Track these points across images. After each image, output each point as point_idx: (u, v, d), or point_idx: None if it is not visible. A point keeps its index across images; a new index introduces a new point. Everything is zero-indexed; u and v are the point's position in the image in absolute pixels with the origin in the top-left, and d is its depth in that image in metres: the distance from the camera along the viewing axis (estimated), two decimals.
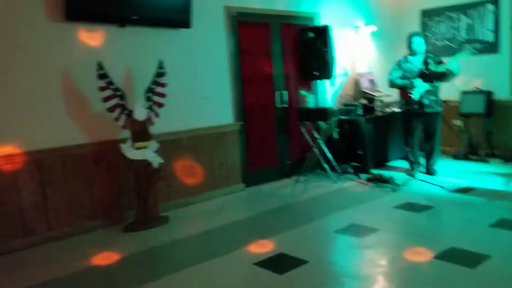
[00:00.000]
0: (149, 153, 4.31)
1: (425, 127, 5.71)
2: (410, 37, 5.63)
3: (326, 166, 5.80)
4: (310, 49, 5.86)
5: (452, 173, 5.72)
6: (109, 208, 4.43)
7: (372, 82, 7.00)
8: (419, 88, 5.46)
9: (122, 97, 4.15)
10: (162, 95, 4.40)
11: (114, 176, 4.43)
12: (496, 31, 6.40)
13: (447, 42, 6.95)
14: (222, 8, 5.21)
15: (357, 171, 5.91)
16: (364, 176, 5.81)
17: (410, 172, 5.83)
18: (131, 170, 4.28)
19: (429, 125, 5.66)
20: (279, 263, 3.35)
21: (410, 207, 4.51)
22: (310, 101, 5.82)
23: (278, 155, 5.98)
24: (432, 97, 5.50)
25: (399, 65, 5.70)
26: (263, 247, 3.67)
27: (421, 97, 5.48)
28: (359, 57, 6.94)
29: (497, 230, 3.74)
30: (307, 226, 4.16)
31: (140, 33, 4.55)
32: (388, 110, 6.64)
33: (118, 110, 4.15)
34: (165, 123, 4.60)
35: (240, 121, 5.47)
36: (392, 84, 5.74)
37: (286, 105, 5.94)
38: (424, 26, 7.17)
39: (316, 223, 4.22)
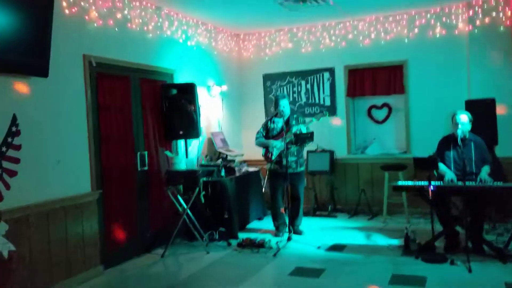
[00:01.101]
0: None
1: (291, 188, 5.72)
2: (276, 99, 5.70)
3: (197, 234, 5.23)
4: (174, 106, 5.38)
5: (314, 231, 5.79)
6: None
7: (224, 141, 6.84)
8: (277, 148, 5.50)
9: None
10: (16, 161, 3.30)
11: None
12: (333, 95, 7.03)
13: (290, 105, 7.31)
14: (81, 56, 4.37)
15: (226, 237, 5.50)
16: (234, 241, 5.43)
17: (277, 233, 5.71)
18: None
19: (293, 186, 5.69)
20: None
21: (304, 272, 4.31)
22: (178, 163, 5.26)
23: (138, 226, 5.15)
24: (292, 158, 5.57)
25: (265, 126, 5.69)
26: None
27: (280, 157, 5.50)
28: (212, 117, 6.73)
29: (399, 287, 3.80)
30: None
31: None
32: (244, 170, 6.50)
33: None
34: (10, 196, 3.45)
35: (98, 188, 4.55)
36: (258, 143, 5.70)
37: (146, 168, 5.23)
38: (267, 89, 7.45)
39: None
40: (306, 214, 6.74)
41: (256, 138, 5.70)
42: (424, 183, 4.57)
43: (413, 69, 6.52)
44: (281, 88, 7.39)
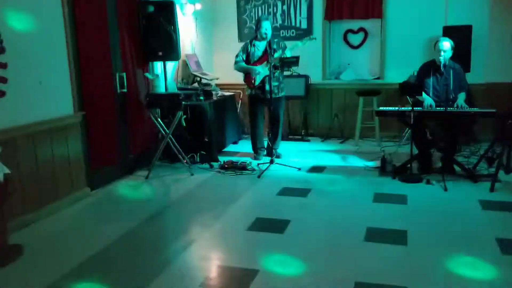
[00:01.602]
0: None
1: (270, 112, 5.75)
2: (259, 20, 5.52)
3: (181, 157, 5.24)
4: (152, 26, 5.11)
5: (290, 154, 5.93)
6: None
7: (198, 64, 6.66)
8: (261, 74, 5.44)
9: None
10: (3, 80, 3.08)
11: None
12: (310, 18, 6.91)
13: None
14: None
15: (208, 160, 5.55)
16: (215, 164, 5.50)
17: (257, 157, 5.81)
18: None
19: (272, 110, 5.71)
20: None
21: (291, 192, 4.48)
22: (158, 86, 5.10)
23: (120, 148, 5.06)
24: (274, 83, 5.54)
25: (244, 49, 5.55)
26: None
27: (263, 82, 5.46)
28: (185, 38, 6.46)
29: (378, 205, 4.07)
30: (214, 230, 3.63)
31: None
32: (219, 94, 6.41)
33: None
34: None
35: (80, 110, 4.38)
36: (238, 68, 5.57)
37: (125, 90, 5.05)
38: (241, 10, 7.19)
39: (220, 226, 3.72)
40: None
41: (236, 63, 5.56)
42: (406, 108, 4.73)
43: None
44: (256, 9, 7.15)
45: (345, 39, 7.03)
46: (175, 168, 5.42)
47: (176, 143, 5.23)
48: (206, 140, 5.70)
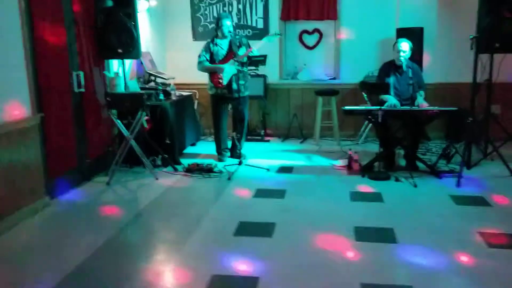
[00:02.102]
0: None
1: (235, 111, 5.63)
2: (219, 18, 5.38)
3: (145, 160, 4.96)
4: (111, 21, 4.80)
5: (253, 155, 5.84)
6: None
7: (152, 62, 6.38)
8: (228, 73, 5.31)
9: None
10: None
11: None
12: (266, 18, 6.86)
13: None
14: None
15: (171, 163, 5.31)
16: (179, 167, 5.28)
17: (221, 158, 5.67)
18: None
19: (238, 110, 5.60)
20: None
21: (267, 193, 4.39)
22: (119, 84, 4.79)
23: (77, 153, 4.70)
24: (241, 82, 5.45)
25: (207, 48, 5.38)
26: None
27: (230, 81, 5.35)
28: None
29: (357, 203, 4.10)
30: (199, 236, 3.45)
31: None
32: (178, 94, 6.17)
33: None
34: None
35: (39, 111, 3.99)
36: (203, 68, 5.38)
37: (83, 90, 4.69)
38: (195, 7, 6.99)
39: (204, 232, 3.54)
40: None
41: (200, 63, 5.37)
42: (374, 107, 4.81)
43: None
44: (210, 7, 6.99)
45: (301, 39, 7.06)
46: (136, 173, 5.13)
47: (136, 146, 4.94)
48: (168, 142, 5.46)
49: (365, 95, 6.43)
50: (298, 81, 6.93)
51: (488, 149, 5.14)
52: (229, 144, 5.77)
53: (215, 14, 6.96)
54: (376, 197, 4.21)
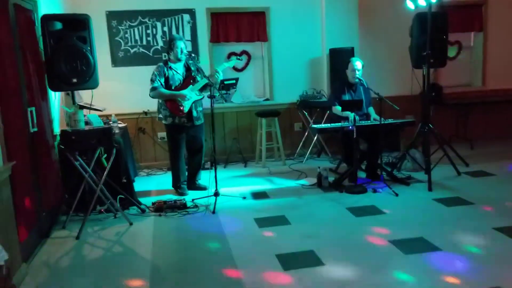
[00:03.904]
0: None
1: (192, 141, 5.25)
2: (172, 41, 5.00)
3: (109, 205, 4.29)
4: (62, 46, 4.09)
5: (210, 184, 5.45)
6: None
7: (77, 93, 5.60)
8: (190, 100, 4.97)
9: None
10: None
11: None
12: (194, 40, 6.60)
13: (142, 50, 6.52)
14: None
15: (137, 204, 4.70)
16: (144, 208, 4.70)
17: (181, 192, 5.22)
18: None
19: (196, 138, 5.25)
20: None
21: (269, 222, 4.14)
22: (80, 120, 4.08)
23: (35, 204, 3.85)
24: (199, 108, 5.16)
25: (161, 72, 4.94)
26: None
27: (190, 109, 5.02)
28: None
29: (363, 218, 4.14)
30: (248, 279, 3.07)
31: None
32: (119, 126, 5.53)
33: None
34: None
35: (9, 159, 3.18)
36: (159, 95, 4.92)
37: (36, 129, 3.89)
38: (113, 30, 6.39)
39: (249, 274, 3.17)
40: None
41: (154, 89, 4.88)
42: (347, 124, 4.94)
43: (275, 17, 6.71)
44: (132, 30, 6.45)
45: None
46: (98, 220, 4.40)
47: (104, 189, 4.26)
48: (125, 180, 4.83)
49: (306, 113, 6.61)
50: (232, 104, 6.78)
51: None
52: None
53: (137, 37, 6.45)
54: (374, 210, 4.30)
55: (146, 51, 6.50)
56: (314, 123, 6.47)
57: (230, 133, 6.78)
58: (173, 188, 5.30)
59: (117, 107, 6.16)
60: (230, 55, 6.89)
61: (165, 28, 6.52)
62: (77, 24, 4.14)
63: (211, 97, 4.70)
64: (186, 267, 3.31)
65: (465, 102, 7.03)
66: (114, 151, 4.18)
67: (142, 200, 4.87)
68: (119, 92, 6.31)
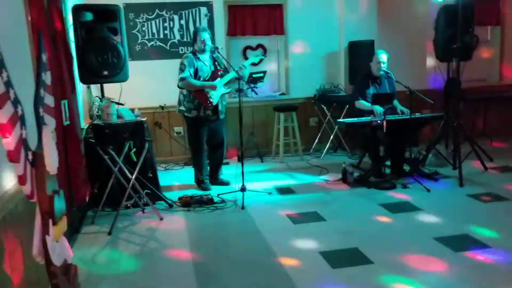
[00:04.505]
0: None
1: (214, 134, 5.17)
2: (198, 32, 4.91)
3: (137, 199, 4.21)
4: (93, 38, 3.99)
5: (232, 179, 5.35)
6: None
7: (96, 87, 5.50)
8: (218, 92, 4.89)
9: None
10: None
11: None
12: (211, 34, 6.48)
13: (159, 43, 6.41)
14: None
15: (165, 198, 4.63)
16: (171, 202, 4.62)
17: (205, 187, 5.14)
18: None
19: (218, 132, 5.18)
20: None
21: (302, 219, 4.08)
22: (112, 114, 3.98)
23: (67, 202, 3.75)
24: (224, 102, 5.09)
25: (191, 63, 4.84)
26: None
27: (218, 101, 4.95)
28: None
29: (399, 215, 4.09)
30: (299, 271, 3.02)
31: None
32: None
33: None
34: None
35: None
36: (189, 85, 4.81)
37: (68, 122, 3.80)
38: (130, 23, 6.27)
39: (299, 276, 3.12)
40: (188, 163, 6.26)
41: (183, 79, 4.75)
42: (378, 118, 4.86)
43: (292, 10, 6.62)
44: (149, 23, 6.33)
45: (244, 55, 6.86)
46: (126, 215, 4.32)
47: (136, 184, 4.18)
48: (151, 175, 4.75)
49: (324, 107, 6.56)
50: (249, 98, 6.70)
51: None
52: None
53: (154, 31, 6.34)
54: (408, 206, 4.26)
55: (163, 45, 6.39)
56: (333, 117, 6.42)
57: (246, 128, 6.69)
58: (195, 183, 5.21)
59: (133, 101, 6.01)
60: (245, 49, 6.81)
61: (182, 21, 6.42)
62: (108, 15, 4.03)
63: (239, 90, 4.61)
64: (235, 264, 3.24)
65: (483, 97, 7.00)
66: (147, 145, 4.09)
67: (166, 194, 4.78)
68: (136, 86, 6.17)
